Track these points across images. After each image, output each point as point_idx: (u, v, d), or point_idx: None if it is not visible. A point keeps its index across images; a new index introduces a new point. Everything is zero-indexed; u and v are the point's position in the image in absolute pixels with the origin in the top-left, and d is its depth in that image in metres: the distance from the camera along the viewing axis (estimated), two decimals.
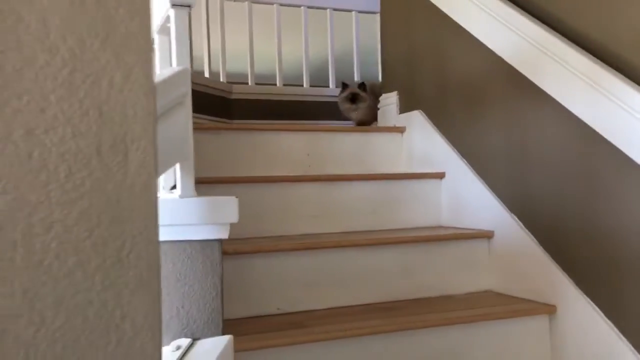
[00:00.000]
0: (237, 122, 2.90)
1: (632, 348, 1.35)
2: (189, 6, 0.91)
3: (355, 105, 2.58)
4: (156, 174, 0.53)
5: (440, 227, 2.03)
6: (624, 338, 1.37)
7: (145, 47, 0.52)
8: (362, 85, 2.59)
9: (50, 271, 0.50)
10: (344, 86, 2.62)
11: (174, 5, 0.89)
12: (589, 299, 1.47)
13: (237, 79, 3.27)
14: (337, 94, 2.73)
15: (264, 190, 1.86)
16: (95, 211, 0.51)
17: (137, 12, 0.51)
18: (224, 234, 0.92)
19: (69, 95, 0.50)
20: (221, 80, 3.01)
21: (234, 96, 2.99)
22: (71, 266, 0.50)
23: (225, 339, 0.91)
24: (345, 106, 2.62)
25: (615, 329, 1.39)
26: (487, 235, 1.80)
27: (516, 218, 1.71)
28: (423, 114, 2.21)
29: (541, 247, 1.61)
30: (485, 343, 1.52)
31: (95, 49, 0.50)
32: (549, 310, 1.56)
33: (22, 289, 0.49)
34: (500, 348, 1.53)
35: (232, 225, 1.03)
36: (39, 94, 0.49)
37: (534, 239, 1.64)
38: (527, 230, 1.66)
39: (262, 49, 3.57)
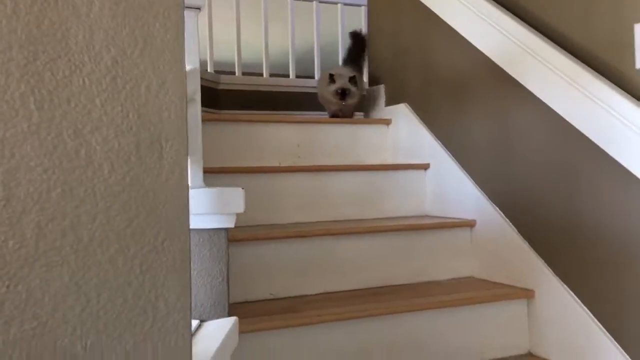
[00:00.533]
0: (225, 113, 2.94)
1: (605, 331, 1.44)
2: (198, 8, 0.96)
3: (344, 101, 2.37)
4: (187, 169, 0.59)
5: (425, 216, 2.11)
6: (597, 321, 1.47)
7: (178, 57, 0.57)
8: (352, 79, 2.37)
9: (95, 257, 0.56)
10: (331, 77, 2.38)
11: (185, 7, 0.94)
12: (565, 285, 1.56)
13: (223, 68, 3.30)
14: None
15: (255, 181, 1.92)
16: (135, 203, 0.57)
17: (171, 26, 0.57)
18: (230, 223, 0.98)
19: (112, 99, 0.55)
20: (208, 70, 3.05)
21: (221, 87, 3.03)
22: (113, 253, 0.56)
23: (231, 320, 0.98)
24: (332, 100, 2.38)
25: (589, 312, 1.49)
26: (470, 224, 1.89)
27: (497, 208, 1.80)
28: (409, 107, 2.28)
29: (521, 236, 1.70)
30: (467, 326, 1.60)
31: (134, 57, 0.56)
32: (527, 295, 1.65)
33: (70, 273, 0.55)
34: (481, 330, 1.62)
35: None
36: (85, 97, 0.54)
37: (514, 228, 1.73)
38: (507, 220, 1.75)
39: (249, 39, 3.61)
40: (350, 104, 2.41)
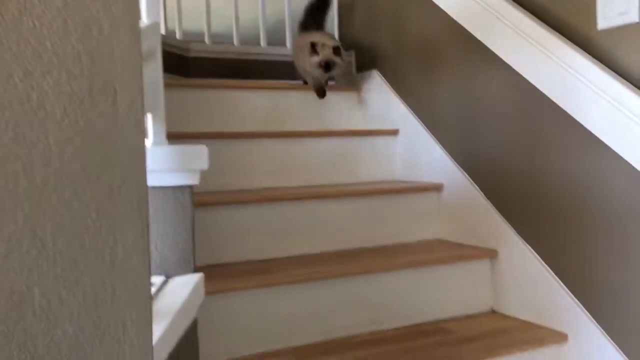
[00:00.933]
0: (194, 80, 2.90)
1: (564, 286, 1.49)
2: None
3: (329, 73, 2.21)
4: (143, 116, 0.59)
5: (395, 181, 2.14)
6: (557, 277, 1.52)
7: (132, 1, 0.57)
8: (337, 50, 2.17)
9: (50, 201, 0.56)
10: (314, 48, 2.16)
11: None
12: (527, 244, 1.60)
13: (194, 39, 3.25)
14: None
15: (225, 146, 1.92)
16: (89, 148, 0.57)
17: None
18: (194, 180, 0.99)
19: (63, 42, 0.55)
20: (177, 38, 3.00)
21: (191, 54, 2.99)
22: (68, 197, 0.56)
23: (197, 276, 0.99)
24: (315, 73, 2.21)
25: (550, 269, 1.54)
26: (437, 188, 1.92)
27: (464, 171, 1.83)
28: (379, 73, 2.29)
29: (486, 198, 1.74)
30: (433, 285, 1.64)
31: (86, 0, 0.55)
32: (491, 255, 1.70)
33: (24, 217, 0.55)
34: (446, 289, 1.66)
35: None
36: (36, 40, 0.54)
37: (480, 191, 1.76)
38: (473, 183, 1.79)
39: (219, 8, 3.55)
40: (336, 75, 2.28)
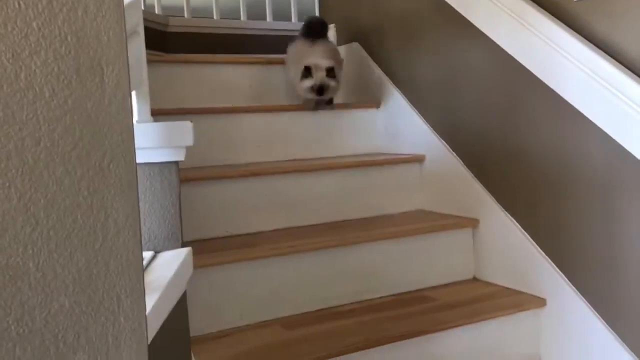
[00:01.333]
0: (174, 55, 2.88)
1: (543, 253, 1.54)
2: None
3: (321, 97, 2.01)
4: (130, 94, 0.60)
5: (378, 153, 2.16)
6: (536, 245, 1.56)
7: None
8: (331, 71, 1.98)
9: (42, 179, 0.57)
10: (307, 70, 1.98)
11: None
12: (507, 213, 1.65)
13: (173, 13, 3.21)
14: (275, 28, 2.72)
15: (208, 121, 1.92)
16: (78, 127, 0.58)
17: None
18: (180, 156, 1.00)
19: (49, 23, 0.56)
20: (157, 12, 2.96)
21: (171, 29, 2.96)
22: (59, 175, 0.58)
23: (185, 250, 1.01)
24: (308, 96, 2.02)
25: (529, 237, 1.58)
26: (419, 160, 1.95)
27: (445, 143, 1.86)
28: (360, 46, 2.29)
29: (467, 169, 1.77)
30: (416, 255, 1.68)
31: None
32: (473, 224, 1.74)
33: (18, 194, 0.56)
34: (429, 259, 1.70)
35: None
36: (22, 21, 0.54)
37: (461, 161, 1.79)
38: (454, 154, 1.82)
39: None
40: (329, 97, 2.06)
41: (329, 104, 2.11)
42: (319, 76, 1.97)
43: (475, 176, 1.75)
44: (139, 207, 0.62)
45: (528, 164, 1.57)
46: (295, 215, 1.78)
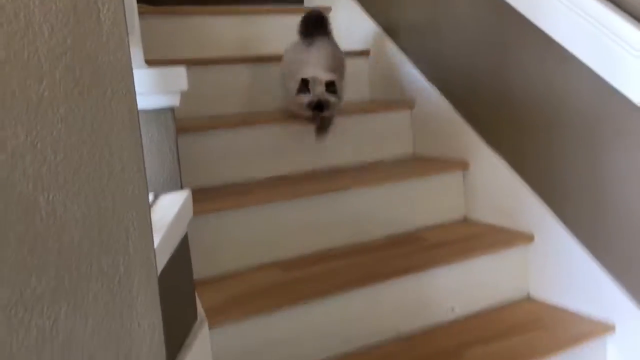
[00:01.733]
0: (163, 7, 2.83)
1: (532, 190, 1.58)
2: None
3: (320, 113, 1.76)
4: (127, 33, 0.62)
5: (370, 101, 2.18)
6: (525, 183, 1.60)
7: None
8: (331, 86, 1.74)
9: (46, 117, 0.59)
10: (305, 84, 1.73)
11: None
12: (497, 154, 1.68)
13: None
14: None
15: (198, 73, 1.91)
16: (78, 64, 0.60)
17: None
18: (175, 102, 1.02)
19: None
20: None
21: None
22: (63, 112, 0.60)
23: (185, 192, 1.04)
24: (305, 113, 1.77)
25: (519, 176, 1.62)
26: (409, 105, 1.97)
27: (435, 87, 1.87)
28: None
29: (457, 112, 1.80)
30: (407, 198, 1.72)
31: None
32: (463, 166, 1.77)
33: (25, 132, 0.58)
34: (420, 201, 1.74)
35: None
36: None
37: (451, 105, 1.81)
38: (444, 97, 1.84)
39: None
40: (328, 116, 1.80)
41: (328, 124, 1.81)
42: (318, 91, 1.73)
43: (465, 119, 1.77)
44: (142, 144, 0.64)
45: (517, 105, 1.60)
46: (290, 163, 1.80)
